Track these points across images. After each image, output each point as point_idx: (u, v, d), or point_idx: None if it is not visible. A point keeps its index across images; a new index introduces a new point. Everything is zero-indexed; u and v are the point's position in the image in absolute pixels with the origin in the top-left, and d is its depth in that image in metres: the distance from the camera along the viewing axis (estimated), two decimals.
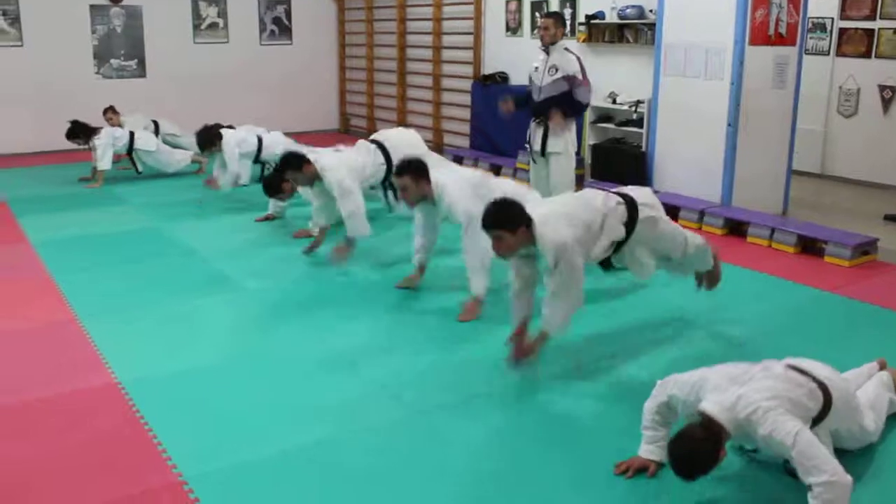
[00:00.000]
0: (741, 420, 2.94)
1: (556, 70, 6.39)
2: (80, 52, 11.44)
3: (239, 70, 12.47)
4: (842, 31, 9.05)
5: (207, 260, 6.32)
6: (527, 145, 6.78)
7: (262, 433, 3.68)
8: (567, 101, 6.40)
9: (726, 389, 3.02)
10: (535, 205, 4.19)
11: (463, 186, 5.10)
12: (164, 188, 8.94)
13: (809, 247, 6.49)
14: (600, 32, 8.82)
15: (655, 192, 7.72)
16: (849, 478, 2.83)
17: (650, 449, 3.33)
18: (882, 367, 3.86)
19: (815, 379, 3.17)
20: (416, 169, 5.04)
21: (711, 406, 2.97)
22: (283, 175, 6.26)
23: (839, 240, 6.27)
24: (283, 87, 12.88)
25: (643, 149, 8.18)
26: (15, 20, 10.91)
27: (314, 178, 5.98)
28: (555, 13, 6.78)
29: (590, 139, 8.85)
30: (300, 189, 6.61)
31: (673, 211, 7.48)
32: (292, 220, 7.31)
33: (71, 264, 6.18)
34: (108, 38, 11.60)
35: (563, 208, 4.21)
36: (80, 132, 9.09)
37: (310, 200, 6.50)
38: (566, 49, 6.50)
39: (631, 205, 4.36)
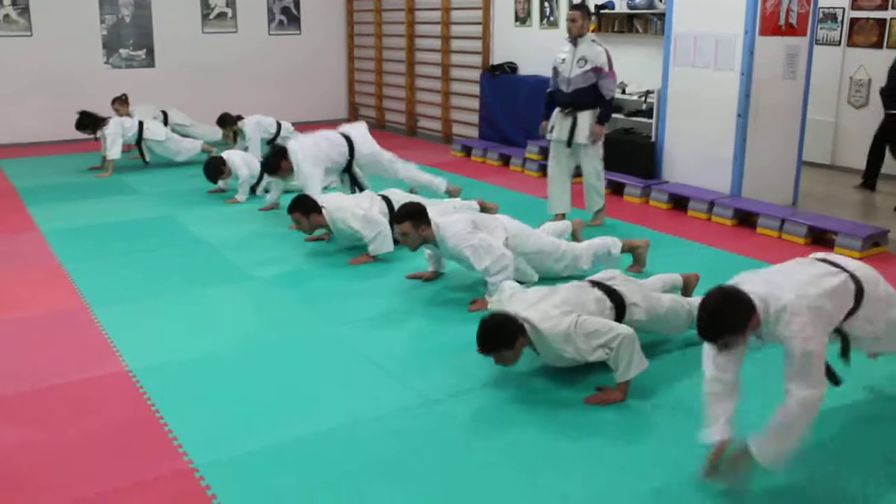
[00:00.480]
0: (769, 313, 2.97)
1: (585, 62, 6.51)
2: (89, 41, 11.46)
3: (247, 60, 12.48)
4: (853, 20, 9.00)
5: (217, 248, 6.33)
6: (549, 136, 6.81)
7: (273, 421, 3.69)
8: (596, 100, 6.56)
9: (760, 282, 3.08)
10: (524, 306, 3.98)
11: (464, 224, 4.99)
12: (173, 177, 8.96)
13: (819, 238, 6.47)
14: (610, 22, 8.79)
15: (664, 182, 7.81)
16: (821, 394, 2.95)
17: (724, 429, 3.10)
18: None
19: (845, 270, 3.23)
20: (416, 214, 4.99)
21: (749, 293, 2.99)
22: (282, 158, 6.83)
23: (849, 231, 6.25)
24: (292, 76, 12.88)
25: (652, 139, 8.16)
26: (24, 10, 10.93)
27: (324, 225, 6.04)
28: (582, 5, 6.78)
29: None
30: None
31: (682, 202, 7.47)
32: None
33: (81, 253, 6.21)
34: (116, 27, 11.61)
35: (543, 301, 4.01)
36: (89, 123, 9.11)
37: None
38: (593, 41, 6.62)
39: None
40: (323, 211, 5.96)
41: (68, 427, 3.66)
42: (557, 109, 6.71)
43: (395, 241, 5.75)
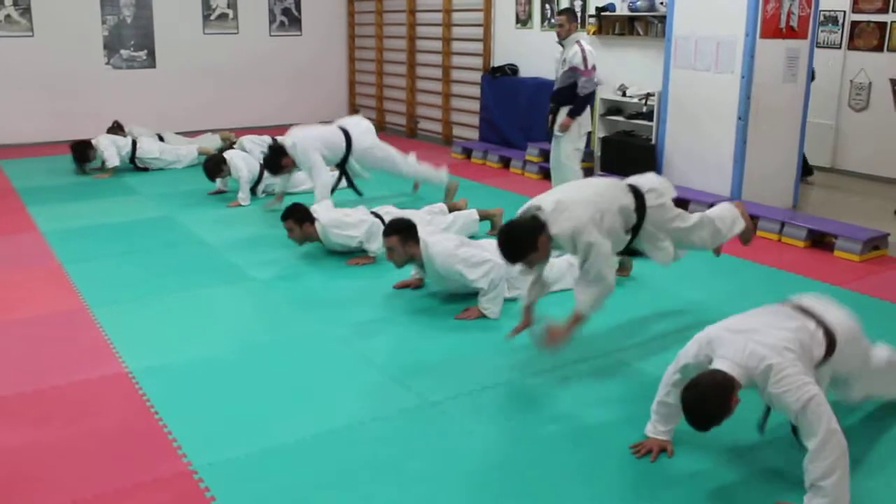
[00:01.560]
0: (754, 375, 2.96)
1: (566, 63, 6.98)
2: (91, 42, 11.46)
3: (248, 61, 12.48)
4: (854, 24, 9.00)
5: (217, 250, 6.34)
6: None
7: (273, 423, 3.69)
8: (572, 97, 6.97)
9: (735, 342, 3.03)
10: (543, 197, 4.16)
11: (450, 242, 4.97)
12: (174, 178, 8.95)
13: (819, 241, 6.47)
14: (610, 25, 8.79)
15: None
16: (845, 442, 2.87)
17: (666, 430, 3.34)
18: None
19: (819, 321, 3.21)
20: (404, 230, 4.97)
21: (723, 363, 2.99)
22: (282, 155, 7.01)
23: (849, 234, 6.25)
24: (293, 78, 12.88)
25: (653, 142, 8.16)
26: (26, 10, 10.93)
27: (315, 238, 6.05)
28: (567, 10, 7.20)
29: (599, 132, 8.83)
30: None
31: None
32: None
33: (81, 254, 6.21)
34: (118, 28, 11.61)
35: (569, 195, 4.15)
36: (82, 151, 9.02)
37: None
38: (576, 42, 6.98)
39: (637, 192, 4.30)
40: (316, 224, 5.97)
41: (67, 428, 3.66)
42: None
43: None
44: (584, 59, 6.87)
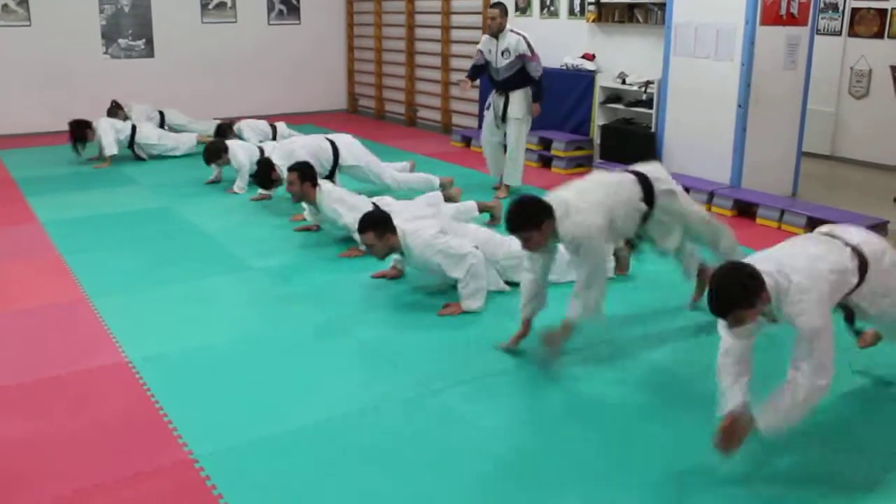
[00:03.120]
0: (780, 291, 3.02)
1: (509, 53, 7.25)
2: (88, 31, 11.43)
3: (247, 50, 12.45)
4: (854, 10, 8.97)
5: (216, 239, 6.33)
6: (486, 112, 7.68)
7: (273, 411, 3.70)
8: (526, 81, 7.31)
9: (768, 260, 3.13)
10: (553, 194, 4.13)
11: (430, 230, 4.87)
12: (173, 168, 8.94)
13: None
14: (610, 12, 8.76)
15: None
16: (827, 389, 3.05)
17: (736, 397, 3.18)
18: None
19: (849, 244, 3.31)
20: (379, 223, 4.88)
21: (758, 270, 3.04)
22: (270, 169, 6.91)
23: (849, 221, 6.23)
24: (292, 67, 12.85)
25: (653, 130, 8.14)
26: (23, 0, 10.89)
27: (311, 200, 6.07)
28: (499, 3, 7.37)
29: (599, 120, 8.82)
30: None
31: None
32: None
33: (80, 244, 6.21)
34: (115, 17, 11.57)
35: (580, 197, 4.11)
36: (80, 131, 9.00)
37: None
38: (511, 31, 7.30)
39: (645, 181, 4.37)
40: (318, 189, 5.96)
41: (68, 418, 3.67)
42: (494, 91, 7.54)
43: None
44: (530, 46, 7.20)
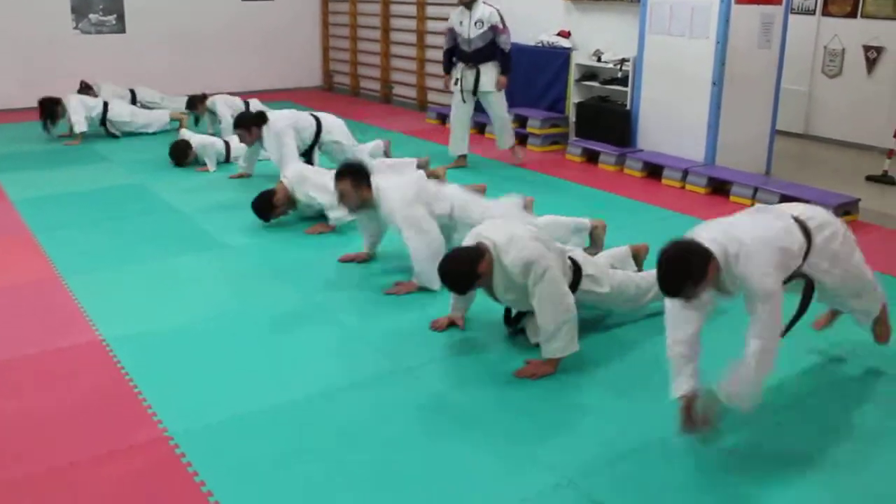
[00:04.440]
0: (729, 255, 3.05)
1: (483, 24, 7.44)
2: (58, 5, 11.21)
3: (220, 26, 12.29)
4: None
5: (190, 217, 6.29)
6: (454, 87, 7.76)
7: (248, 389, 3.70)
8: (495, 53, 7.50)
9: (715, 227, 3.19)
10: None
11: (405, 192, 4.81)
12: (145, 145, 8.84)
13: None
14: None
15: (639, 150, 7.83)
16: (777, 353, 3.11)
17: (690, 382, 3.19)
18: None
19: (790, 214, 3.39)
20: (355, 174, 4.80)
21: (705, 240, 3.08)
22: (260, 121, 6.82)
23: (821, 200, 6.29)
24: (265, 43, 12.72)
25: (628, 107, 8.16)
26: None
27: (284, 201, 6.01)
28: None
29: (574, 97, 8.82)
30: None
31: (657, 170, 7.51)
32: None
33: (52, 222, 6.14)
34: None
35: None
36: (50, 108, 8.87)
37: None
38: (485, 3, 7.52)
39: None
40: (283, 181, 5.93)
41: (42, 397, 3.65)
42: (461, 65, 7.64)
43: None
44: (502, 19, 7.43)
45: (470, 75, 7.60)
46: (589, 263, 4.19)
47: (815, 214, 3.49)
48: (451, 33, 7.67)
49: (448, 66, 7.81)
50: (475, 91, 7.64)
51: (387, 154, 7.74)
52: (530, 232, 3.93)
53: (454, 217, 4.92)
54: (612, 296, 4.22)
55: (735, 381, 3.11)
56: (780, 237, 3.25)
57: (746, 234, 3.14)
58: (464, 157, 7.92)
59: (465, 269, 3.77)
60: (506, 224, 4.04)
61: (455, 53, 7.70)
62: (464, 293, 4.00)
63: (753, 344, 3.08)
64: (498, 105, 7.74)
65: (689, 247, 3.04)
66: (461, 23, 7.55)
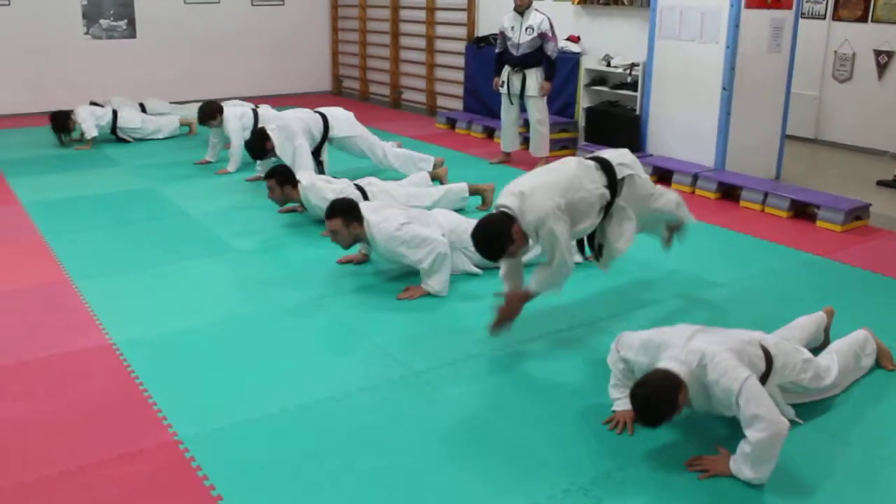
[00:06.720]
0: (694, 369, 3.06)
1: (533, 30, 7.68)
2: (69, 11, 11.27)
3: (230, 31, 12.34)
4: None
5: (200, 221, 6.30)
6: (501, 89, 8.04)
7: (258, 393, 3.70)
8: (541, 59, 7.75)
9: (676, 346, 3.15)
10: (509, 189, 3.94)
11: (394, 221, 4.78)
12: (156, 150, 8.88)
13: (802, 211, 6.50)
14: None
15: (649, 155, 7.82)
16: (786, 425, 2.97)
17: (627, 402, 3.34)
18: (829, 315, 4.08)
19: (759, 342, 3.34)
20: (346, 210, 4.83)
21: (666, 363, 3.10)
22: (265, 140, 6.88)
23: (832, 205, 6.28)
24: (275, 48, 12.76)
25: (637, 112, 8.15)
26: None
27: (296, 199, 6.08)
28: None
29: (584, 102, 8.82)
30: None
31: (666, 175, 7.49)
32: None
33: (63, 226, 6.16)
34: None
35: (538, 179, 3.99)
36: (61, 122, 8.90)
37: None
38: (536, 10, 7.77)
39: (607, 166, 4.13)
40: (299, 186, 5.94)
41: (51, 400, 3.66)
42: (507, 68, 7.89)
43: None
44: (552, 27, 7.68)
45: (516, 80, 7.84)
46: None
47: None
48: (502, 37, 7.88)
49: (498, 69, 8.01)
50: (521, 95, 7.87)
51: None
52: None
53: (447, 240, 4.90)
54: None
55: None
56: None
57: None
58: (508, 154, 8.30)
59: (496, 233, 3.83)
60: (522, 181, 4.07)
61: (504, 57, 7.91)
62: (496, 259, 3.99)
63: (753, 436, 2.99)
64: (538, 111, 7.91)
65: (657, 388, 3.03)
66: (512, 28, 7.77)
